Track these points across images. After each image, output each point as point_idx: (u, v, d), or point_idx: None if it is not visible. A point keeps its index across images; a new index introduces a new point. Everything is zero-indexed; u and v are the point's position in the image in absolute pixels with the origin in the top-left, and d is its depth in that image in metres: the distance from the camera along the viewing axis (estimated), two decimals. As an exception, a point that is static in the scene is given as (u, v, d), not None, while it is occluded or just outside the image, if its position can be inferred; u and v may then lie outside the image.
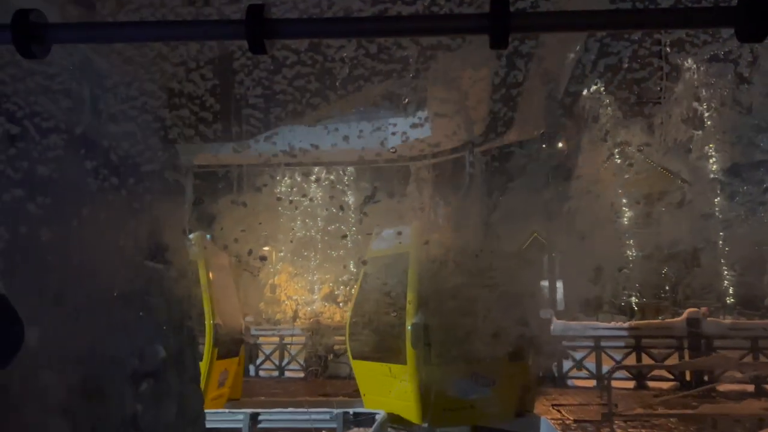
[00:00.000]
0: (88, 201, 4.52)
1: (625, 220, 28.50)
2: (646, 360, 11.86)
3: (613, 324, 12.01)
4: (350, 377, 13.48)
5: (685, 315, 12.29)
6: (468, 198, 14.76)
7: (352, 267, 29.96)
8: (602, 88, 28.03)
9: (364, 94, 8.33)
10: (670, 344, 11.96)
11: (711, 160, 26.91)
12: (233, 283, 11.27)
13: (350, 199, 27.34)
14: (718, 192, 26.85)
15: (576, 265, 24.15)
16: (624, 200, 28.73)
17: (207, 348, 7.54)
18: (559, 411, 8.95)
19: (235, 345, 9.93)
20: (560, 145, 27.29)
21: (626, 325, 12.19)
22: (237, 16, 2.24)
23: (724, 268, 26.03)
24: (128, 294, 4.62)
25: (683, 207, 27.21)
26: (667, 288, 28.85)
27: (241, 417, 8.08)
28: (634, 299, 27.14)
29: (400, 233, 9.26)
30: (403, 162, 17.54)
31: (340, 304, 27.89)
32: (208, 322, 6.92)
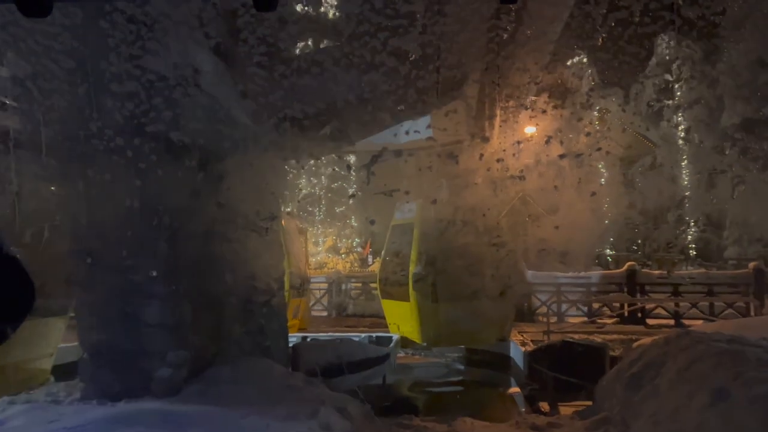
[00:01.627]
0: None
1: (603, 181, 31.37)
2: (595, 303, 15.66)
3: (570, 274, 15.61)
4: (363, 315, 17.18)
5: (625, 267, 15.98)
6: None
7: (353, 222, 33.46)
8: (584, 59, 31.09)
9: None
10: (613, 290, 15.71)
11: (679, 128, 30.09)
12: (300, 241, 14.74)
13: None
14: (684, 157, 30.19)
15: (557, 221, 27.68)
16: (602, 162, 31.63)
17: (285, 289, 10.82)
18: (522, 336, 12.65)
19: (302, 288, 13.62)
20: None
21: (581, 274, 15.82)
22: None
23: (690, 224, 29.67)
24: (261, 250, 8.07)
25: (654, 169, 30.59)
26: (639, 242, 32.24)
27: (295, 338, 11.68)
28: (608, 251, 30.74)
29: (411, 210, 12.91)
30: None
31: (342, 256, 31.55)
32: (286, 271, 10.16)
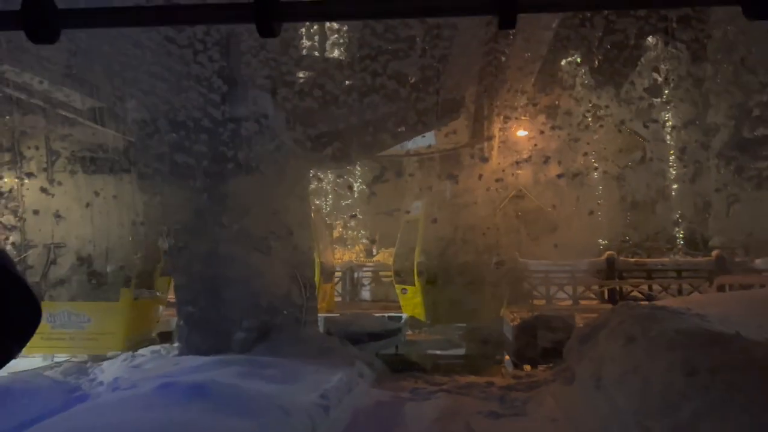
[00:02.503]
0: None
1: (596, 174, 33.25)
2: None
3: (556, 263, 17.85)
4: (372, 300, 19.49)
5: (605, 256, 18.24)
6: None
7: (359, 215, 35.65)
8: (578, 59, 33.22)
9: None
10: (595, 276, 18.01)
11: (668, 124, 32.11)
12: (327, 235, 17.05)
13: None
14: (671, 151, 32.25)
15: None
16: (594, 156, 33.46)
17: (316, 276, 13.05)
18: (512, 313, 14.91)
19: (330, 275, 15.91)
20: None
21: (566, 263, 18.05)
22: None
23: (677, 215, 31.80)
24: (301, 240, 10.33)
25: (644, 163, 32.70)
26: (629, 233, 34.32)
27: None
28: (601, 241, 32.89)
29: (418, 207, 15.27)
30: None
31: (348, 246, 33.81)
32: (317, 261, 12.40)
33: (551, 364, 10.01)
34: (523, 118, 19.68)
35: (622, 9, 10.57)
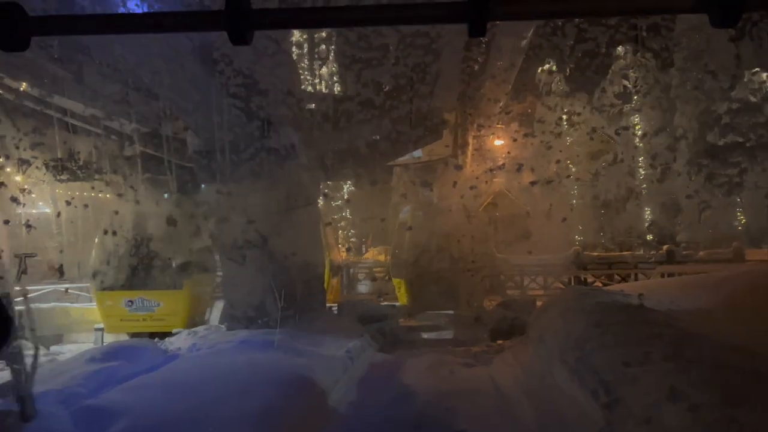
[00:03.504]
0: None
1: (571, 175, 35.68)
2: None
3: (530, 257, 20.58)
4: (367, 293, 22.15)
5: (571, 250, 21.04)
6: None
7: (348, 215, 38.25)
8: (554, 67, 36.04)
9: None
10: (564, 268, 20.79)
11: (637, 128, 34.89)
12: (334, 236, 19.72)
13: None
14: (641, 153, 35.07)
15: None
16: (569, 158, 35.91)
17: (327, 271, 15.65)
18: (490, 302, 17.62)
19: (337, 270, 18.59)
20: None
21: (536, 258, 20.81)
22: (218, 6, 2.43)
23: (646, 212, 34.66)
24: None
25: (615, 165, 35.52)
26: (602, 230, 37.15)
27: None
28: (577, 237, 35.65)
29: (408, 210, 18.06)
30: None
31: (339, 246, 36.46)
32: (327, 258, 15.01)
33: (517, 337, 12.76)
34: (499, 126, 22.26)
35: (595, 16, 12.48)
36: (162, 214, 12.29)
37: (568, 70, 33.37)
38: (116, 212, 12.23)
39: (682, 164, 32.99)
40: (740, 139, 29.86)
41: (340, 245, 26.93)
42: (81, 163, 13.99)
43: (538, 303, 13.13)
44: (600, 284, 19.98)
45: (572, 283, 19.97)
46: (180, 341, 10.37)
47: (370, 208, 32.99)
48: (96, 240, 12.36)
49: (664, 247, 19.87)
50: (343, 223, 39.05)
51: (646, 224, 35.32)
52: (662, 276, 16.73)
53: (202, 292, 12.85)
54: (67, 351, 11.37)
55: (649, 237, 34.51)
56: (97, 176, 12.92)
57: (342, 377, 8.00)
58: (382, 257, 31.50)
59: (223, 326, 11.52)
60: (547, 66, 35.32)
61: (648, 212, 35.60)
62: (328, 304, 14.43)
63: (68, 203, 12.89)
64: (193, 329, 11.18)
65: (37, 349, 5.12)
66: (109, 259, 12.20)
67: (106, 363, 7.42)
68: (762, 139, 29.12)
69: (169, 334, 11.17)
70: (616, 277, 19.97)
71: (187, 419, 5.17)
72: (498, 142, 23.28)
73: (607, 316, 8.26)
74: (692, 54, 31.90)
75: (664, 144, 34.92)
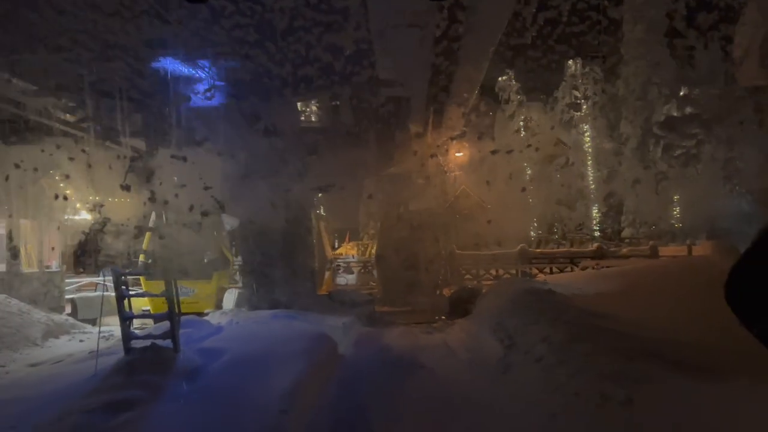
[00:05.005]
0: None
1: (527, 177, 39.57)
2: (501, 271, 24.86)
3: (484, 252, 24.71)
4: (346, 284, 26.13)
5: (518, 247, 25.26)
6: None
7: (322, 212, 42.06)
8: (513, 77, 40.27)
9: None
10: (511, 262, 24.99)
11: (586, 135, 39.18)
12: (325, 235, 23.67)
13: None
14: (589, 156, 39.35)
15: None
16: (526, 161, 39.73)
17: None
18: (449, 290, 21.69)
19: (330, 264, 22.59)
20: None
21: (490, 252, 24.95)
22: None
23: (594, 210, 39.00)
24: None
25: (567, 167, 39.84)
26: (556, 225, 41.44)
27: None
28: (533, 233, 39.82)
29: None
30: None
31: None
32: (326, 253, 18.94)
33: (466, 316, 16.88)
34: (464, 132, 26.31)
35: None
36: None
37: (526, 81, 37.71)
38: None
39: (626, 167, 37.22)
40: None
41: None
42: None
43: (484, 290, 17.25)
44: (542, 276, 24.31)
45: (518, 275, 24.21)
46: (217, 318, 14.18)
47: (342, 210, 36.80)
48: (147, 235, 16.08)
49: (595, 245, 24.20)
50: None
51: (594, 221, 39.62)
52: (583, 269, 21.06)
53: (222, 282, 16.72)
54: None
55: (596, 233, 38.86)
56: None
57: (343, 339, 11.99)
58: (354, 251, 35.76)
59: (240, 309, 15.43)
60: (506, 76, 39.60)
61: (595, 210, 39.87)
62: (321, 293, 18.42)
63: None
64: (221, 310, 15.04)
65: (179, 309, 8.97)
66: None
67: (184, 329, 11.24)
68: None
69: (201, 314, 15.01)
70: (556, 270, 24.24)
71: (259, 355, 9.07)
72: (458, 154, 27.44)
73: (523, 297, 12.41)
74: (636, 69, 36.24)
75: (611, 149, 39.20)
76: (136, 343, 8.65)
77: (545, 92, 39.30)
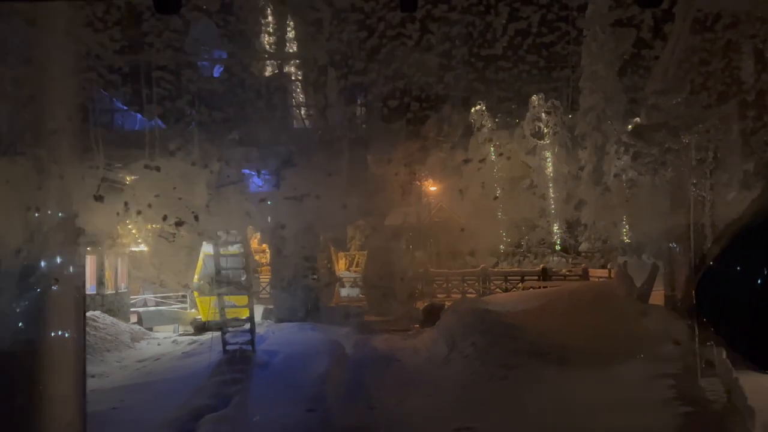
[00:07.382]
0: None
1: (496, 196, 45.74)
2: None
3: (454, 270, 31.33)
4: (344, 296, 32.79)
5: (481, 266, 31.89)
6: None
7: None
8: (485, 107, 46.84)
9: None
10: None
11: (548, 161, 45.66)
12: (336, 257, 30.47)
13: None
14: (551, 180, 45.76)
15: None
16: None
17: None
18: (423, 303, 28.20)
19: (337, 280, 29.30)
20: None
21: (459, 271, 31.51)
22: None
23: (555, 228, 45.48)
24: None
25: (531, 188, 46.35)
26: (522, 241, 47.80)
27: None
28: (501, 248, 46.17)
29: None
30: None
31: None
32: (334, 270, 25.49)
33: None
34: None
35: None
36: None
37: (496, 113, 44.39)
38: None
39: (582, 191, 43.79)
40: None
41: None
42: None
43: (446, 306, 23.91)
44: (498, 291, 31.01)
45: (481, 290, 30.96)
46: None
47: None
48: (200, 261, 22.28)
49: (540, 266, 30.99)
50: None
51: (554, 237, 46.14)
52: (525, 289, 27.85)
53: (252, 298, 23.27)
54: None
55: (557, 248, 45.31)
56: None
57: (346, 344, 18.60)
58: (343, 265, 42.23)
59: (267, 321, 21.96)
60: (478, 107, 46.17)
61: (556, 227, 46.36)
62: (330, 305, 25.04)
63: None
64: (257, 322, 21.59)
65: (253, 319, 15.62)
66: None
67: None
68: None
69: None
70: (510, 286, 30.87)
71: (302, 352, 15.68)
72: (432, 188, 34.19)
73: (466, 314, 19.07)
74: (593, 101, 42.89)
75: (570, 173, 45.70)
76: (230, 347, 15.24)
77: (512, 123, 45.97)
